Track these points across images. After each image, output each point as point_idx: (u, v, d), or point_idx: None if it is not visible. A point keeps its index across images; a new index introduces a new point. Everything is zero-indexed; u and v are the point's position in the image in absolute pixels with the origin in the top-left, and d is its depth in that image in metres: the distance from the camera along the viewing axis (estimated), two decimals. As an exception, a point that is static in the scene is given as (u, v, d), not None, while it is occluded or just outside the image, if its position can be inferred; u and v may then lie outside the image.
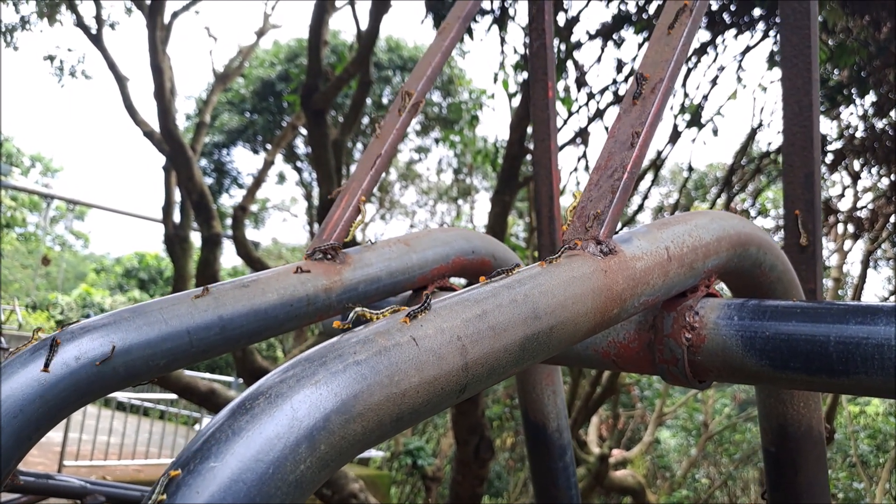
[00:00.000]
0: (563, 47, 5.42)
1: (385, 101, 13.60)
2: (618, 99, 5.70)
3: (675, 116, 5.71)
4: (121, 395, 11.02)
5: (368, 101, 11.90)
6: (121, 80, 8.30)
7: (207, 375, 12.99)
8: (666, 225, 0.77)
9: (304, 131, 12.53)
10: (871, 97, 5.00)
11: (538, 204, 1.36)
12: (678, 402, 11.45)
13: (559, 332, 0.63)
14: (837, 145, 5.59)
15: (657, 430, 11.42)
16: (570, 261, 0.67)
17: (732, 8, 5.02)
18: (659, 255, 0.73)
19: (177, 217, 8.62)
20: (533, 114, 1.31)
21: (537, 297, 0.62)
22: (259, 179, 9.04)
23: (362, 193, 1.00)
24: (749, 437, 11.96)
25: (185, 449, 0.48)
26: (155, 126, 7.95)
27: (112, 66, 8.21)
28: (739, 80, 5.70)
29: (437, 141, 13.93)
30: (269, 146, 13.69)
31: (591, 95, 5.72)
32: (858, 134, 5.26)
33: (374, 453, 12.66)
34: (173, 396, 10.73)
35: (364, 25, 6.41)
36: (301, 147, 14.39)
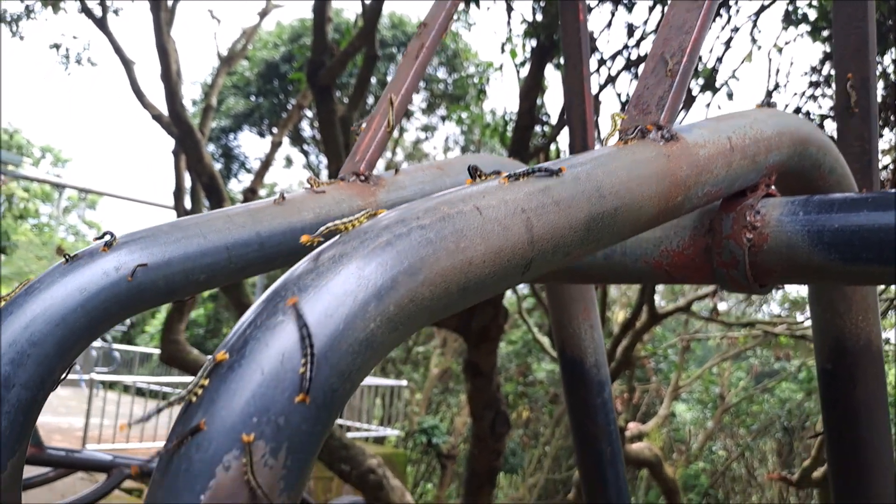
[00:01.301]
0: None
1: (390, 79, 13.48)
2: (630, 64, 5.62)
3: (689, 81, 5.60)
4: (140, 382, 11.11)
5: (373, 79, 11.83)
6: (127, 64, 8.27)
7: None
8: (725, 118, 0.74)
9: (309, 113, 12.47)
10: (890, 55, 4.91)
11: (571, 135, 1.32)
12: (694, 375, 11.41)
13: (623, 214, 0.59)
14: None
15: (673, 403, 11.41)
16: (630, 145, 0.64)
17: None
18: (721, 145, 0.69)
19: (188, 202, 8.62)
20: (564, 39, 1.26)
21: (601, 176, 0.58)
22: (267, 161, 9.01)
23: (393, 115, 0.96)
24: (766, 407, 11.92)
25: (236, 328, 0.45)
26: (163, 109, 7.93)
27: (118, 49, 8.17)
28: (754, 41, 5.59)
29: (443, 118, 13.84)
30: (275, 130, 13.65)
31: (602, 62, 5.65)
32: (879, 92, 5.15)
33: (389, 432, 12.72)
34: (179, 380, 10.80)
35: (369, -1, 6.34)
36: (307, 130, 14.35)
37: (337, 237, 0.48)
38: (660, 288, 10.95)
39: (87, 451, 3.44)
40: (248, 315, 0.44)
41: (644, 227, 0.63)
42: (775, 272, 0.74)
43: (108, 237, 0.73)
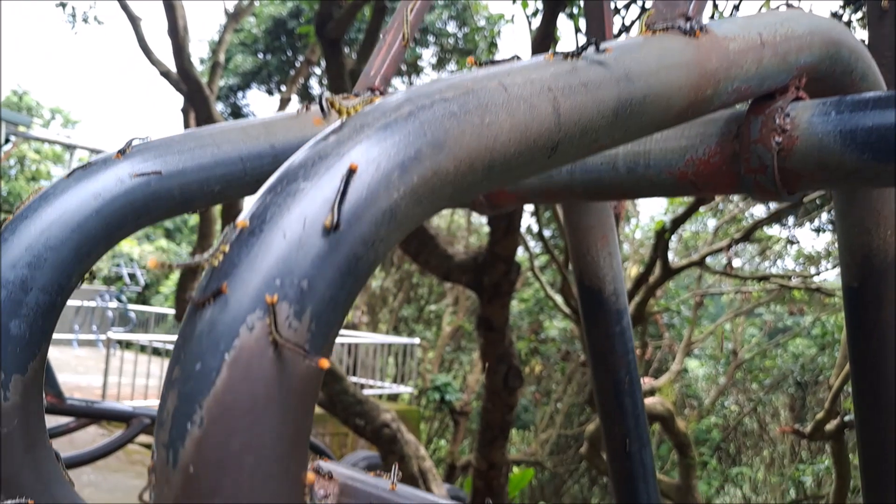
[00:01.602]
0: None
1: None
2: (644, 12, 5.51)
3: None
4: (156, 341, 11.24)
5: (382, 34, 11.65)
6: (134, 21, 8.19)
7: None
8: (755, 16, 0.71)
9: (318, 70, 12.35)
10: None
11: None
12: (707, 331, 11.41)
13: (652, 103, 0.57)
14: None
15: (685, 359, 11.44)
16: (659, 35, 0.61)
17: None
18: (752, 40, 0.67)
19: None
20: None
21: (628, 62, 0.56)
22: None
23: (408, 28, 0.94)
24: (779, 362, 11.94)
25: (256, 198, 0.43)
26: (170, 66, 7.87)
27: (124, 6, 8.09)
28: (771, -13, 5.45)
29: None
30: (283, 87, 13.54)
31: (616, 10, 5.54)
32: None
33: (402, 389, 12.86)
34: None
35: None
36: (316, 88, 14.23)
37: (356, 113, 0.47)
38: (673, 244, 10.90)
39: (107, 402, 3.50)
40: (268, 184, 0.43)
41: (672, 120, 0.61)
42: (804, 176, 0.72)
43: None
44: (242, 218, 0.41)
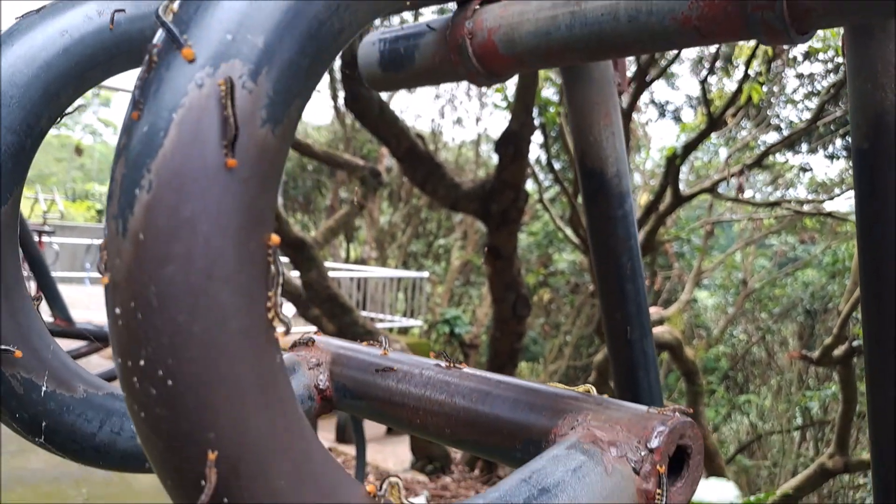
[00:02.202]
0: None
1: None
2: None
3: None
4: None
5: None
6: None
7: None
8: None
9: None
10: None
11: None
12: (717, 261, 11.38)
13: None
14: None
15: (695, 290, 11.46)
16: None
17: None
18: None
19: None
20: None
21: None
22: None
23: None
24: (789, 291, 11.94)
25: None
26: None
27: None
28: None
29: None
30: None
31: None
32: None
33: (412, 322, 12.99)
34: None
35: None
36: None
37: None
38: (684, 175, 10.78)
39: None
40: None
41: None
42: (816, 10, 0.67)
43: None
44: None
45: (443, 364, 0.76)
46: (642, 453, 0.56)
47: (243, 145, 0.35)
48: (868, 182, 0.90)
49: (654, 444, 0.56)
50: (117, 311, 0.35)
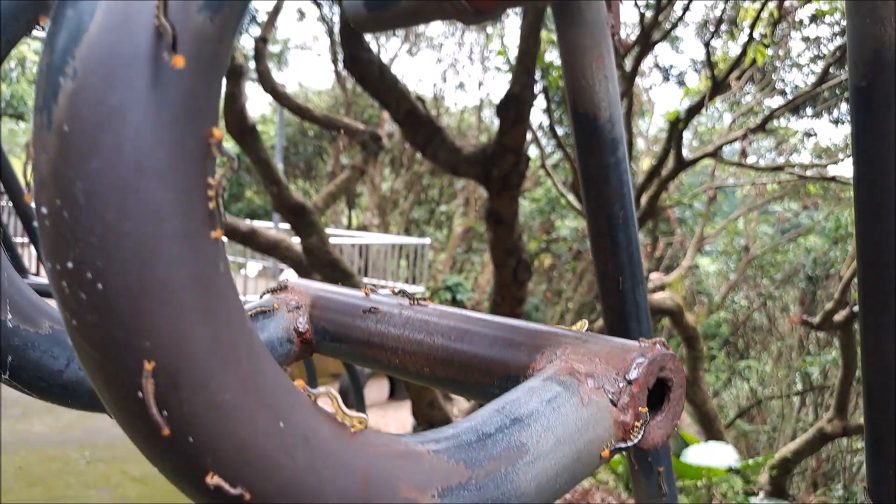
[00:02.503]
0: None
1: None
2: None
3: None
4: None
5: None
6: None
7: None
8: None
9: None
10: None
11: None
12: (719, 226, 11.34)
13: None
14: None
15: (697, 256, 11.43)
16: None
17: None
18: None
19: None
20: None
21: None
22: (277, 8, 8.64)
23: None
24: (791, 256, 11.91)
25: None
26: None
27: None
28: None
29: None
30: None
31: None
32: None
33: (414, 289, 13.00)
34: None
35: None
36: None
37: None
38: (687, 141, 10.68)
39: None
40: None
41: None
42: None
43: None
44: None
45: (406, 302, 0.74)
46: (620, 385, 0.54)
47: (178, 32, 0.32)
48: (865, 122, 0.87)
49: (632, 375, 0.54)
50: (44, 210, 0.33)
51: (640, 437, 0.53)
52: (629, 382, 0.54)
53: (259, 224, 13.55)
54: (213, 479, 0.35)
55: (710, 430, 8.49)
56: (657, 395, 0.57)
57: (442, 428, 0.49)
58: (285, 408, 0.38)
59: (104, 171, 0.31)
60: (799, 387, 10.75)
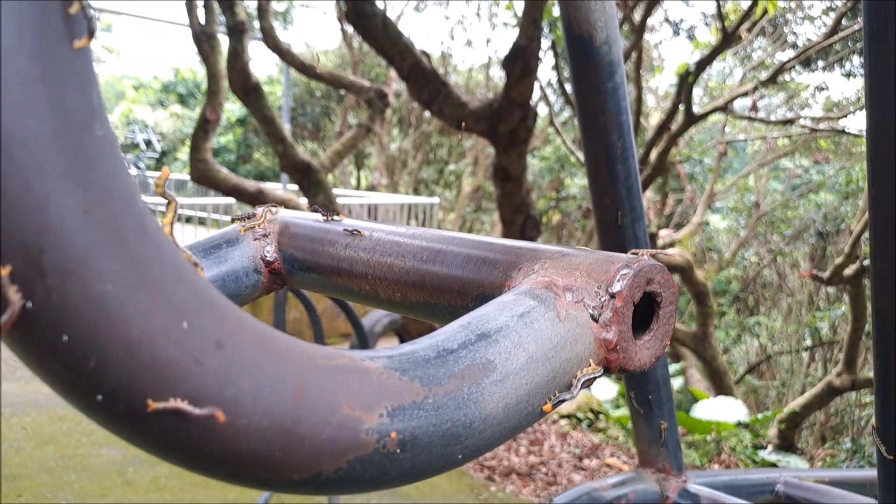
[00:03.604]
0: None
1: None
2: None
3: None
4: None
5: None
6: None
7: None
8: None
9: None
10: None
11: None
12: (729, 182, 11.17)
13: None
14: None
15: (707, 213, 11.30)
16: None
17: None
18: None
19: (201, 17, 8.23)
20: None
21: None
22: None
23: None
24: (801, 212, 11.75)
25: None
26: None
27: None
28: None
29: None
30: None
31: None
32: None
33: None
34: (216, 201, 10.92)
35: None
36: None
37: None
38: (697, 97, 10.48)
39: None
40: None
41: None
42: None
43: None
44: None
45: (320, 218, 0.69)
46: (602, 298, 0.48)
47: None
48: (880, 64, 0.79)
49: (616, 288, 0.48)
50: None
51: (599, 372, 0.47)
52: (612, 296, 0.47)
53: (267, 185, 13.49)
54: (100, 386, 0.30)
55: (720, 386, 8.48)
56: (646, 310, 0.51)
57: (399, 345, 0.43)
58: (191, 306, 0.32)
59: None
60: (808, 342, 10.70)
